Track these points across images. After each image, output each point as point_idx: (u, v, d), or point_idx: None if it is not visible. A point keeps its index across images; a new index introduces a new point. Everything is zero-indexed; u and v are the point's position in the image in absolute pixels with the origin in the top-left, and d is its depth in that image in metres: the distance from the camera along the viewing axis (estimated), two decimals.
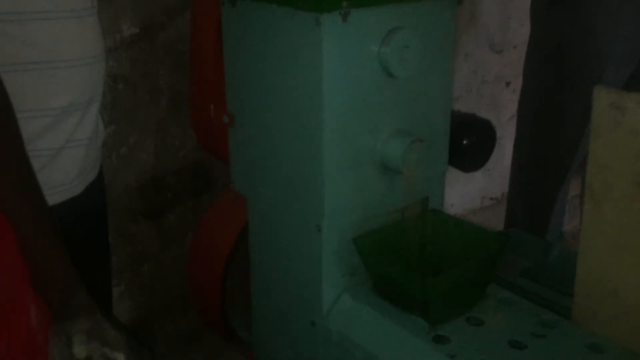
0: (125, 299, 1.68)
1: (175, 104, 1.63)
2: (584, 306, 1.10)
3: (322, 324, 1.17)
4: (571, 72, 1.72)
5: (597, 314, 1.07)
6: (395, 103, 1.13)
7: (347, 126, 1.08)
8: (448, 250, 1.20)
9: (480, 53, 2.17)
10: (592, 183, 1.04)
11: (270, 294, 1.31)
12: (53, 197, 1.01)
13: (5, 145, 0.83)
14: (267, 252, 1.29)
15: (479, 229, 1.19)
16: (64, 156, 1.05)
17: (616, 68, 1.68)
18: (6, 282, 0.84)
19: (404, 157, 1.11)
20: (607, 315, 1.06)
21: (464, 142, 1.33)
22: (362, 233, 1.16)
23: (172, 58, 1.60)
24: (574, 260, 1.51)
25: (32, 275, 0.85)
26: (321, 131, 1.06)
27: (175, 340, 1.80)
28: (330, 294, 1.17)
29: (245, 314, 1.44)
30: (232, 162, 1.31)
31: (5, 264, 0.84)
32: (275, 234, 1.25)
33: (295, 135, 1.13)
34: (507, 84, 2.26)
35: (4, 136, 0.83)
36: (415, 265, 1.22)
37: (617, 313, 1.03)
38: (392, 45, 1.05)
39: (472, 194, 2.30)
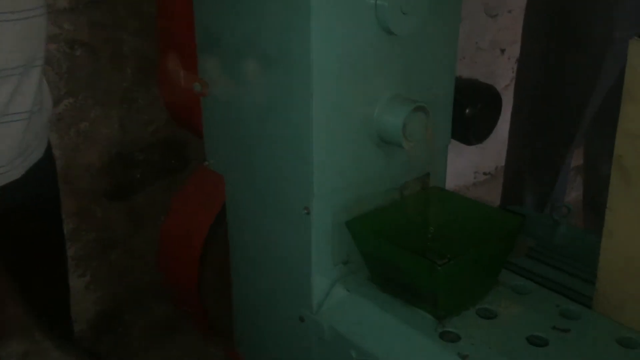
0: (92, 290, 1.53)
1: (142, 72, 1.46)
2: (609, 293, 0.97)
3: (312, 319, 1.02)
4: (577, 32, 1.57)
5: (624, 302, 0.95)
6: (394, 65, 0.98)
7: (339, 92, 0.93)
8: (454, 233, 1.07)
9: (474, 17, 2.01)
10: (622, 154, 0.91)
11: (253, 285, 1.17)
12: None
13: None
14: (248, 239, 1.14)
15: (490, 208, 1.05)
16: None
17: (626, 27, 1.54)
18: None
19: (404, 128, 0.96)
20: (637, 303, 0.93)
21: (467, 111, 1.19)
22: (356, 215, 1.01)
23: (137, 20, 1.42)
24: (584, 239, 1.40)
25: None
26: (309, 98, 0.90)
27: (151, 331, 1.66)
28: (321, 286, 1.02)
29: (226, 306, 1.29)
30: (206, 136, 1.15)
31: None
32: (256, 218, 1.10)
33: (278, 104, 0.97)
34: (502, 50, 2.12)
35: None
36: (417, 250, 1.08)
37: None
38: None
39: (465, 169, 2.16)
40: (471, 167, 2.18)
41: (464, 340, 0.90)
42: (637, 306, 0.93)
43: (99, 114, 1.42)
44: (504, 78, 2.14)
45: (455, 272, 0.91)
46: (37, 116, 0.94)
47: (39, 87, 0.93)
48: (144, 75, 1.47)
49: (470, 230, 1.04)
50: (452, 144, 1.18)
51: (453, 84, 1.11)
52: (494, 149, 2.16)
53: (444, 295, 0.92)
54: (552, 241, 1.39)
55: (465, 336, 0.91)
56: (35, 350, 0.69)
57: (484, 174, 2.25)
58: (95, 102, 1.41)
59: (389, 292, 1.00)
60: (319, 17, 0.87)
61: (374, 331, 0.96)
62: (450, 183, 1.19)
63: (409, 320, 0.95)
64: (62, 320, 1.10)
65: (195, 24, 1.06)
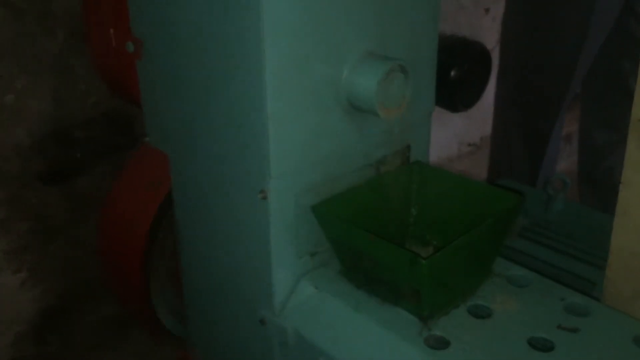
0: (30, 287, 1.35)
1: (77, 36, 1.26)
2: (621, 281, 0.83)
3: (273, 322, 0.86)
4: None
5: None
6: (367, 15, 0.81)
7: (299, 48, 0.76)
8: (441, 216, 0.91)
9: None
10: None
11: (206, 283, 1.00)
12: None
13: None
14: (197, 229, 0.96)
15: (483, 185, 0.89)
16: None
17: None
18: None
19: (379, 92, 0.79)
20: None
21: (453, 72, 1.03)
22: (324, 198, 0.85)
23: None
24: (583, 216, 1.26)
25: None
26: (260, 54, 0.73)
27: (101, 330, 1.49)
28: (283, 282, 0.86)
29: (177, 304, 1.12)
30: (145, 107, 0.97)
31: None
32: (206, 204, 0.92)
33: (226, 66, 0.79)
34: (486, 10, 1.95)
35: None
36: (397, 237, 0.92)
37: None
38: None
39: (448, 141, 2.00)
40: (455, 138, 2.02)
41: (454, 345, 0.75)
42: None
43: (26, 85, 1.23)
44: (489, 39, 1.97)
45: (443, 265, 0.75)
46: None
47: None
48: (80, 40, 1.27)
49: (459, 212, 0.89)
50: (434, 112, 1.01)
51: (436, 40, 0.94)
52: (479, 117, 2.01)
53: (429, 292, 0.76)
54: (546, 219, 1.25)
55: (456, 340, 0.76)
56: None
57: (469, 145, 2.09)
58: (20, 70, 1.22)
59: (364, 288, 0.84)
60: None
61: (346, 336, 0.81)
62: (432, 156, 1.03)
63: (388, 322, 0.79)
64: None
65: None
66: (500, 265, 0.88)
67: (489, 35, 1.94)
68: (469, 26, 1.90)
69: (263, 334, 0.89)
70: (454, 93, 1.04)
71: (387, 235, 0.91)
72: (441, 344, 0.76)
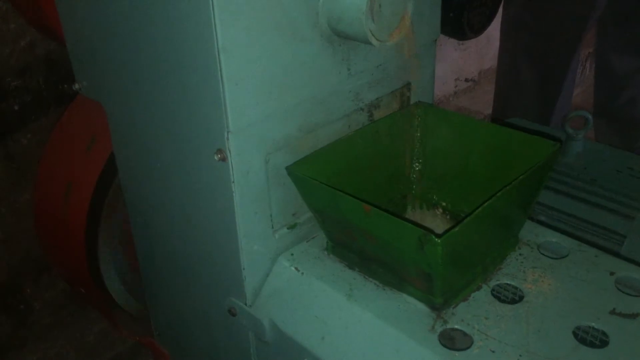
0: None
1: None
2: None
3: (246, 313, 0.68)
4: None
5: None
6: None
7: None
8: (451, 171, 0.72)
9: None
10: None
11: (163, 265, 0.81)
12: None
13: None
14: (148, 199, 0.77)
15: (504, 131, 0.69)
16: None
17: None
18: None
19: (371, 11, 0.58)
20: None
21: None
22: (302, 157, 0.65)
23: None
24: (607, 157, 1.09)
25: None
26: None
27: (60, 304, 1.31)
28: (255, 263, 0.68)
29: (134, 282, 0.94)
30: (70, 46, 0.75)
31: None
32: (154, 168, 0.73)
33: None
34: None
35: None
36: (396, 198, 0.74)
37: None
38: None
39: (444, 76, 1.79)
40: (452, 73, 1.81)
41: (478, 343, 0.57)
42: None
43: None
44: None
45: (462, 240, 0.57)
46: None
47: None
48: None
49: (475, 166, 0.69)
50: None
51: None
52: (477, 49, 1.79)
53: (444, 276, 0.58)
54: (565, 162, 1.07)
55: (479, 336, 0.58)
56: None
57: (466, 80, 1.88)
58: None
59: (359, 269, 0.66)
60: None
61: (337, 332, 0.63)
62: None
63: (390, 314, 0.61)
64: None
65: None
66: (528, 229, 0.70)
67: None
68: None
69: (235, 327, 0.71)
70: (462, 16, 0.84)
71: (384, 198, 0.73)
72: (460, 341, 0.58)
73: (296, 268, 0.67)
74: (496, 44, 1.47)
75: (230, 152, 0.60)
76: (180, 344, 0.87)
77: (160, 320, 0.89)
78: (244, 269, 0.67)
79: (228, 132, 0.59)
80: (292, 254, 0.69)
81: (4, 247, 1.23)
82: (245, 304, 0.69)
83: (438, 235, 0.54)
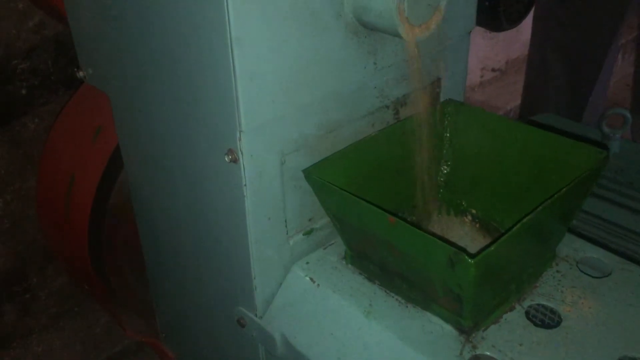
0: None
1: None
2: None
3: (255, 325, 0.63)
4: None
5: None
6: None
7: None
8: (481, 174, 0.66)
9: None
10: None
11: (171, 269, 0.76)
12: None
13: None
14: (155, 200, 0.72)
15: (544, 135, 0.62)
16: None
17: None
18: None
19: (402, 1, 0.52)
20: None
21: None
22: (320, 159, 0.60)
23: None
24: None
25: None
26: None
27: (67, 294, 1.28)
28: (267, 272, 0.62)
29: (141, 279, 0.90)
30: (74, 30, 0.70)
31: None
32: (161, 167, 0.67)
33: None
34: None
35: None
36: (421, 203, 0.68)
37: None
38: None
39: (470, 65, 1.71)
40: (477, 62, 1.73)
41: None
42: None
43: None
44: None
45: (497, 261, 0.51)
46: None
47: None
48: None
49: (509, 171, 0.63)
50: None
51: None
52: (504, 37, 1.71)
53: (476, 298, 0.52)
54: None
55: None
56: None
57: (493, 70, 1.80)
58: None
59: (380, 282, 0.60)
60: None
61: (354, 353, 0.57)
62: None
63: (413, 335, 0.56)
64: None
65: None
66: (565, 243, 0.64)
67: None
68: None
69: (244, 339, 0.67)
70: (499, 4, 0.77)
71: (409, 203, 0.67)
72: None
73: (311, 279, 0.62)
74: (525, 32, 1.40)
75: (242, 152, 0.55)
76: (186, 349, 0.82)
77: (166, 322, 0.85)
78: (254, 277, 0.62)
79: (240, 131, 0.54)
80: (307, 263, 0.64)
81: (10, 234, 1.19)
82: (256, 315, 0.64)
83: (471, 256, 0.48)
